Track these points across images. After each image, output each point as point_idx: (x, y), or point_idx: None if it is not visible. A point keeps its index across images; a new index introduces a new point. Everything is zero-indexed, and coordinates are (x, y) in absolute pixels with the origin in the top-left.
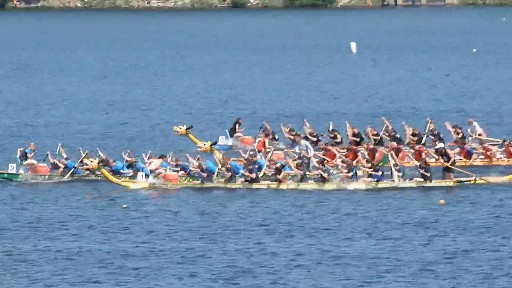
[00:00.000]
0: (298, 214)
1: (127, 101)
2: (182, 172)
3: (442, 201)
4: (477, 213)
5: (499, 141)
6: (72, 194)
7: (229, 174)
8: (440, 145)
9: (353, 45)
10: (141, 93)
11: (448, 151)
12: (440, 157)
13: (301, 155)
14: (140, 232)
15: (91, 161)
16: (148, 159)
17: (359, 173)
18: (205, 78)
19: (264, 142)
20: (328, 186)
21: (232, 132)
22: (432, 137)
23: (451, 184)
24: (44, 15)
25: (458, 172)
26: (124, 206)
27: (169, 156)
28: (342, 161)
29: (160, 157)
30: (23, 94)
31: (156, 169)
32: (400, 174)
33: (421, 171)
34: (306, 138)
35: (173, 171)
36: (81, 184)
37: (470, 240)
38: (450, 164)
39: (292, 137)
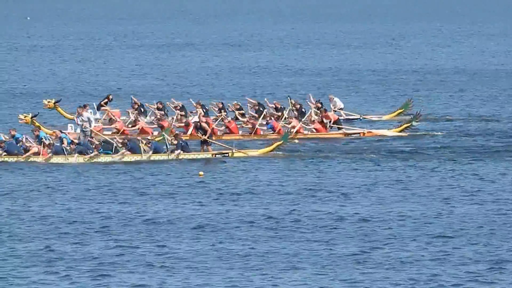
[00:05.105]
0: None
1: None
2: None
3: (201, 173)
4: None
5: (357, 116)
6: None
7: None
8: (195, 119)
9: None
10: None
11: (204, 125)
12: (197, 131)
13: (83, 127)
14: None
15: None
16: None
17: None
18: None
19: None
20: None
21: (99, 105)
22: (295, 112)
23: (209, 156)
24: None
25: (217, 145)
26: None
27: None
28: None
29: None
30: None
31: None
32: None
33: (175, 144)
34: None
35: None
36: None
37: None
38: (207, 137)
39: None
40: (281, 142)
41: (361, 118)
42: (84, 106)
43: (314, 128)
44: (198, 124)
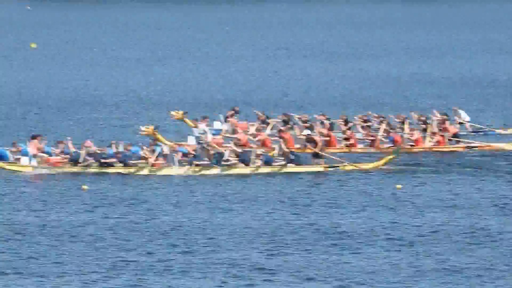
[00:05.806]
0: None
1: None
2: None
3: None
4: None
5: (484, 129)
6: None
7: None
8: (307, 131)
9: None
10: None
11: (316, 138)
12: (308, 143)
13: (200, 140)
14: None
15: None
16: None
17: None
18: None
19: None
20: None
21: (226, 117)
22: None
23: (321, 169)
24: None
25: (327, 158)
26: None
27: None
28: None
29: (33, 138)
30: None
31: (38, 152)
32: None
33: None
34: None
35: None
36: None
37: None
38: (319, 150)
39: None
40: (392, 156)
41: (488, 131)
42: (205, 118)
43: (435, 141)
44: (310, 137)
